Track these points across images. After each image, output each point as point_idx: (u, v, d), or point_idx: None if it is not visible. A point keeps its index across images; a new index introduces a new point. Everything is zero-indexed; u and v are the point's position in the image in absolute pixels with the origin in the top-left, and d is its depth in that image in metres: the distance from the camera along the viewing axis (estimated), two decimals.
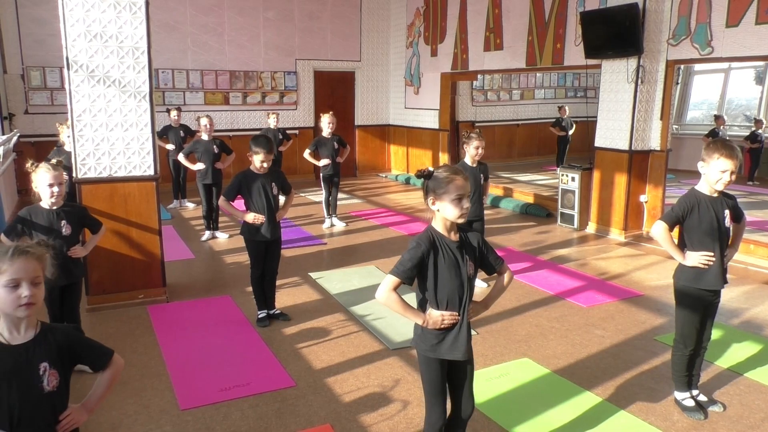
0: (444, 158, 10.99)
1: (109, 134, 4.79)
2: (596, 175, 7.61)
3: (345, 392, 3.61)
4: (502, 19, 9.32)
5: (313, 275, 5.86)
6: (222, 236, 7.32)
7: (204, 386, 3.67)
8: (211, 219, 7.34)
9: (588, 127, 8.36)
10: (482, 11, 9.75)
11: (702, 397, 3.46)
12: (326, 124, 7.67)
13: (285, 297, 5.19)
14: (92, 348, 2.07)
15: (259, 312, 4.71)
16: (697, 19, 6.50)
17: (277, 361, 4.01)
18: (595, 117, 7.67)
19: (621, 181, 7.29)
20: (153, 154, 4.95)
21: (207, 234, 7.29)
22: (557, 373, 3.85)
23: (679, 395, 3.42)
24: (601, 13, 7.21)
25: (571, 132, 12.23)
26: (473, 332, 2.51)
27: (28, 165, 3.54)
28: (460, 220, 2.38)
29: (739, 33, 6.12)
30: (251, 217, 4.43)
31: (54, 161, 3.57)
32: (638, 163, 7.24)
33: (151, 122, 4.90)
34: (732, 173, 3.06)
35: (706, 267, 3.17)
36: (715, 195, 3.18)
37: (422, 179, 2.44)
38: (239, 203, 4.53)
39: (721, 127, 10.31)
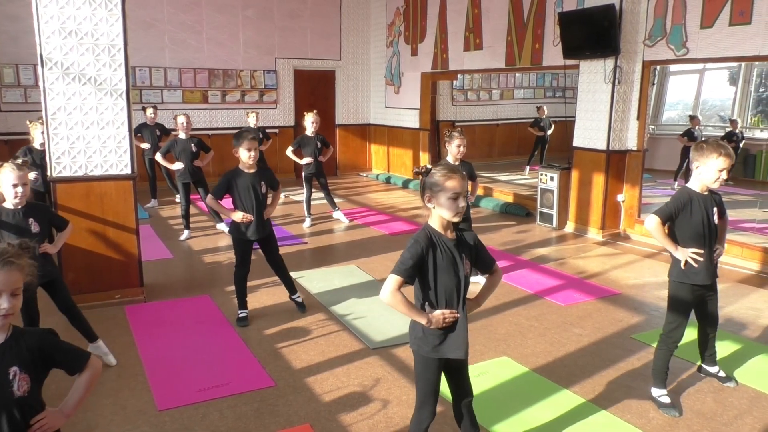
0: (425, 158, 11.02)
1: (85, 132, 4.72)
2: (574, 175, 7.69)
3: (325, 392, 3.60)
4: (482, 20, 9.36)
5: (294, 274, 5.80)
6: (223, 227, 7.38)
7: (182, 386, 3.64)
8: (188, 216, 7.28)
9: (566, 127, 8.44)
10: (462, 11, 9.79)
11: (722, 373, 3.71)
12: (310, 123, 7.64)
13: (265, 296, 5.17)
14: (67, 351, 2.02)
15: (239, 311, 4.67)
16: (673, 20, 6.60)
17: (256, 361, 3.99)
18: (574, 117, 7.75)
19: (599, 180, 7.37)
20: (130, 153, 4.89)
21: (186, 233, 7.23)
22: (536, 372, 3.88)
23: (655, 392, 3.47)
24: (579, 13, 7.29)
25: (549, 132, 12.33)
26: None
27: None
28: (456, 219, 2.40)
29: (714, 34, 6.22)
30: (239, 216, 4.41)
31: (20, 161, 3.51)
32: (615, 163, 7.32)
33: (128, 120, 4.84)
34: (728, 171, 3.17)
35: (696, 265, 3.27)
36: (706, 193, 3.28)
37: (419, 176, 2.46)
38: (227, 202, 4.51)
39: (696, 127, 10.46)
